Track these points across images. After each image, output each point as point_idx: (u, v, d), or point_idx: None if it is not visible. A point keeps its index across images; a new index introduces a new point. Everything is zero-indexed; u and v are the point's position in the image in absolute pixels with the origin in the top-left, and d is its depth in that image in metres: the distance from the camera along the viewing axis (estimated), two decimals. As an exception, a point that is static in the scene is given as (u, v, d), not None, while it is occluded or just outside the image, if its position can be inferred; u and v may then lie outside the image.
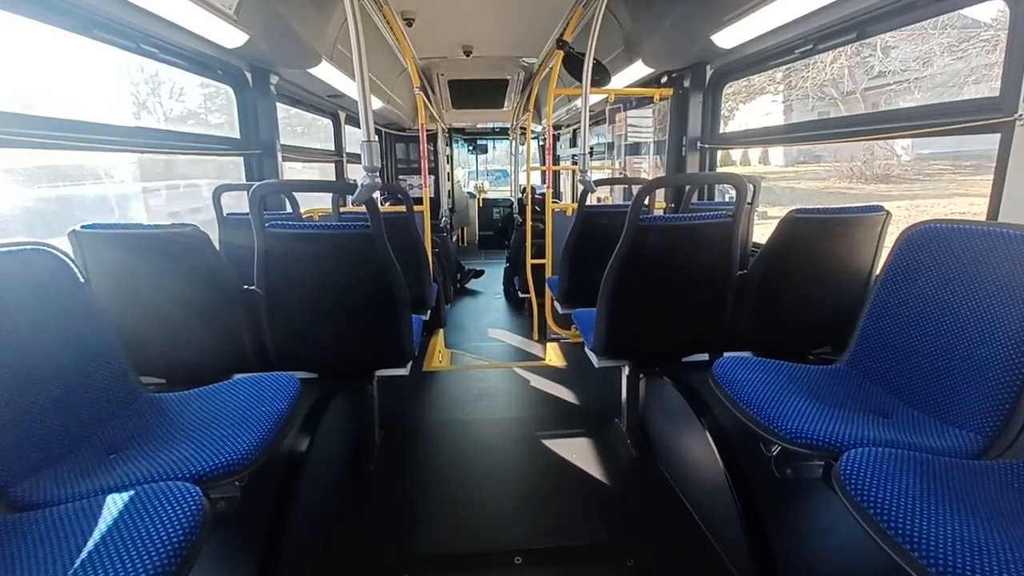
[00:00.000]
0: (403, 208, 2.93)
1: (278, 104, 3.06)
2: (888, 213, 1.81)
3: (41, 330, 1.21)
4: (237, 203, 2.70)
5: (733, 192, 1.79)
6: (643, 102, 3.87)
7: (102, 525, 0.90)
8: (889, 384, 1.41)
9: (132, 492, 0.96)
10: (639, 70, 3.20)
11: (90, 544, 0.86)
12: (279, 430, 1.28)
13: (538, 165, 7.35)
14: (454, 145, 8.44)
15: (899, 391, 1.37)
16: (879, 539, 0.88)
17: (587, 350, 2.17)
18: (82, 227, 1.60)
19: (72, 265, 1.34)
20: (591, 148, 3.07)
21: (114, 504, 0.94)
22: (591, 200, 3.20)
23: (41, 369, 1.18)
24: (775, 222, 1.82)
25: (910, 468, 0.99)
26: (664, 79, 3.28)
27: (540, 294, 3.72)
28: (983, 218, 1.50)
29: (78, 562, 0.83)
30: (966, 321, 1.23)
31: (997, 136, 1.47)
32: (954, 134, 1.65)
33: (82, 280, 1.35)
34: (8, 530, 0.93)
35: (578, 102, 3.34)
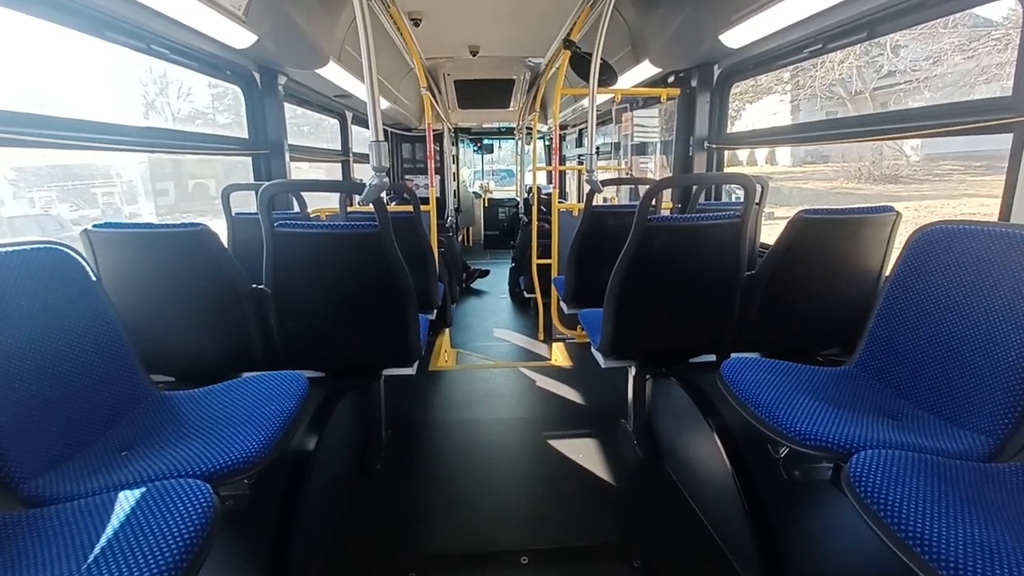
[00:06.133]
0: (409, 208, 2.94)
1: (285, 104, 3.08)
2: (898, 214, 1.80)
3: (54, 328, 1.23)
4: (243, 202, 2.71)
5: (740, 192, 1.78)
6: (649, 102, 3.86)
7: (114, 521, 0.90)
8: (899, 386, 1.40)
9: (143, 489, 0.97)
10: (646, 70, 3.20)
11: (102, 540, 0.87)
12: (288, 428, 1.29)
13: (544, 165, 7.34)
14: (460, 145, 8.45)
15: (909, 393, 1.36)
16: (889, 542, 0.87)
17: (593, 350, 2.17)
18: (94, 226, 1.62)
19: (84, 264, 1.35)
20: (597, 148, 3.06)
21: (126, 501, 0.95)
22: (597, 200, 3.20)
23: (54, 366, 1.20)
24: (782, 223, 1.81)
25: (920, 470, 0.99)
26: (671, 79, 3.27)
27: (546, 294, 3.72)
28: (995, 219, 1.48)
29: (91, 558, 0.84)
30: (977, 323, 1.22)
31: (1009, 136, 1.46)
32: (965, 134, 1.63)
33: (94, 279, 1.37)
34: (21, 526, 0.94)
35: (584, 102, 3.34)
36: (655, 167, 3.96)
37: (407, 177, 7.11)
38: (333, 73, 3.05)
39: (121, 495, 0.97)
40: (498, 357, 3.41)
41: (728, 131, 3.10)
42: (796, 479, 1.37)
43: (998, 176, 1.51)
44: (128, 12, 1.85)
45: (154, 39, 2.12)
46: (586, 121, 2.82)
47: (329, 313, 1.82)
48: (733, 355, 1.94)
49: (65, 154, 1.88)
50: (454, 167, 7.50)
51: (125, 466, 1.12)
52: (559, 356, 3.37)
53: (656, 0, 2.71)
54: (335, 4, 2.63)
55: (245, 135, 2.93)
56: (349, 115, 4.56)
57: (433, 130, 3.67)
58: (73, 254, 1.33)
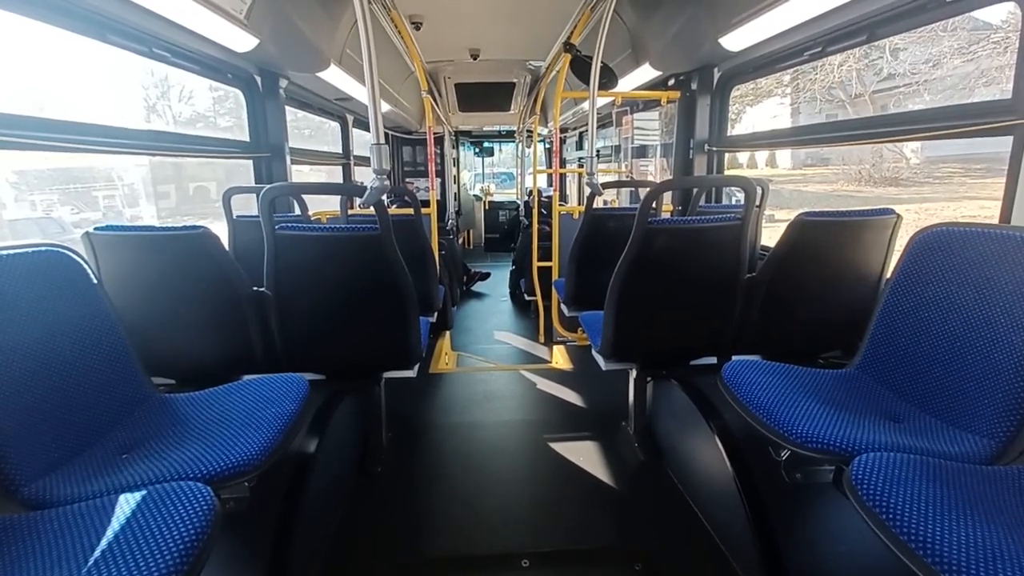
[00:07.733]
0: (410, 211, 2.94)
1: (286, 107, 3.09)
2: (899, 216, 1.80)
3: (55, 330, 1.23)
4: (244, 205, 2.72)
5: (741, 195, 1.78)
6: (650, 105, 3.87)
7: (115, 524, 0.90)
8: (900, 388, 1.40)
9: (144, 491, 0.97)
10: (646, 73, 3.20)
11: (103, 543, 0.87)
12: (288, 431, 1.29)
13: (544, 168, 7.36)
14: (460, 148, 8.46)
15: (910, 395, 1.36)
16: (892, 544, 0.87)
17: (594, 353, 2.17)
18: (95, 229, 1.62)
19: (85, 266, 1.36)
20: (598, 151, 3.07)
21: (126, 503, 0.95)
22: (598, 203, 3.20)
23: (55, 369, 1.20)
24: (782, 225, 1.81)
25: (922, 473, 0.99)
26: (671, 82, 3.28)
27: (546, 296, 3.72)
28: (995, 221, 1.49)
29: (91, 561, 0.83)
30: (978, 325, 1.22)
31: (1009, 139, 1.47)
32: (965, 137, 1.64)
33: (95, 281, 1.37)
34: (22, 528, 0.94)
35: (585, 105, 3.35)
36: (655, 170, 3.97)
37: (408, 180, 7.12)
38: (334, 76, 3.06)
39: (122, 498, 0.97)
40: (499, 360, 3.41)
41: (728, 134, 3.11)
42: (797, 482, 1.37)
43: (998, 178, 1.52)
44: (130, 16, 1.86)
45: (156, 42, 2.13)
46: (586, 124, 2.82)
47: (330, 315, 1.82)
48: (734, 357, 1.94)
49: (67, 157, 1.88)
50: (455, 170, 7.52)
51: (126, 469, 1.12)
52: (560, 358, 3.37)
53: (656, 3, 2.72)
54: (336, 8, 2.64)
55: (246, 138, 2.93)
56: (350, 118, 4.57)
57: (434, 133, 3.68)
58: (74, 257, 1.33)
